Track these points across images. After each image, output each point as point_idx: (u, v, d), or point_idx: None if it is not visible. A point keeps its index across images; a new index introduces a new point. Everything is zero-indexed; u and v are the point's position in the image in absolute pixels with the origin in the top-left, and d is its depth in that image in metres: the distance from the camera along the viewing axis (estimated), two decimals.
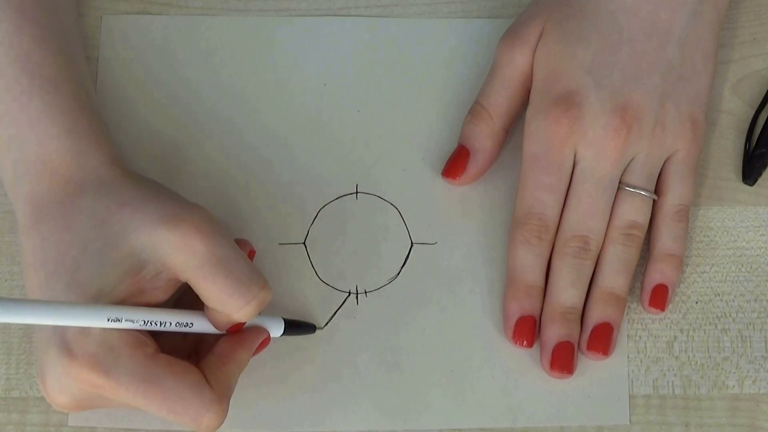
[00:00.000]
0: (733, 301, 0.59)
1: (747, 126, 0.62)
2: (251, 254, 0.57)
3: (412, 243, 0.60)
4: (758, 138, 0.61)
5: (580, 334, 0.57)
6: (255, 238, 0.58)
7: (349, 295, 0.59)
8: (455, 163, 0.59)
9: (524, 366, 0.57)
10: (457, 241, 0.59)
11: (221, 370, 0.51)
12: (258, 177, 0.60)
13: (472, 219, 0.60)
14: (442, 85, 0.62)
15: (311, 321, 0.58)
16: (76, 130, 0.54)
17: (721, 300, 0.59)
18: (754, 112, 0.62)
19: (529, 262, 0.57)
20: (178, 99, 0.61)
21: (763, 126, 0.61)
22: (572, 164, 0.57)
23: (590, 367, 0.57)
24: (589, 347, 0.56)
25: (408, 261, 0.59)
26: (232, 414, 0.56)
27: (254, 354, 0.54)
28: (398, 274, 0.59)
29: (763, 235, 0.60)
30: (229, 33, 0.62)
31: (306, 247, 0.59)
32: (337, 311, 0.58)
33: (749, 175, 0.60)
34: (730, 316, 0.59)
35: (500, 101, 0.59)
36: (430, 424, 0.57)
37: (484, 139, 0.59)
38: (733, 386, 0.57)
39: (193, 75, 0.62)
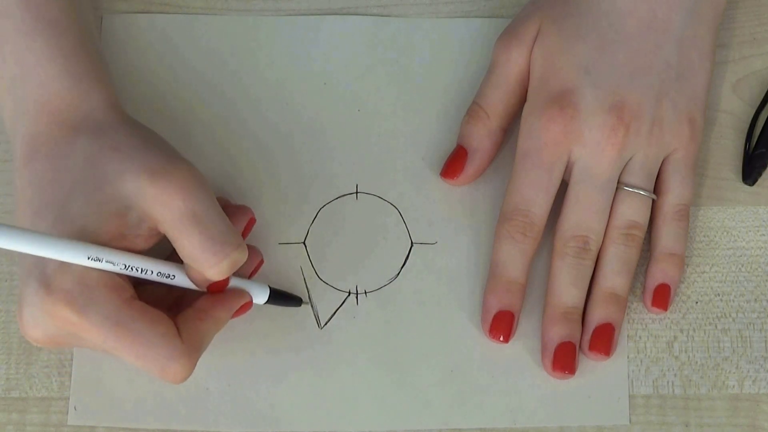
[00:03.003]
0: (733, 301, 0.59)
1: (747, 126, 0.62)
2: (251, 222, 0.57)
3: (412, 243, 0.60)
4: (758, 138, 0.61)
5: (582, 334, 0.57)
6: (255, 237, 0.58)
7: (349, 295, 0.59)
8: (453, 164, 0.59)
9: (524, 366, 0.57)
10: (457, 241, 0.59)
11: (196, 325, 0.52)
12: (258, 176, 0.60)
13: (472, 219, 0.60)
14: (441, 85, 0.62)
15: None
16: (77, 72, 0.54)
17: (721, 300, 0.59)
18: (754, 112, 0.62)
19: (511, 258, 0.57)
20: (178, 98, 0.61)
21: (763, 126, 0.61)
22: (565, 164, 0.57)
23: (590, 367, 0.57)
24: (591, 348, 0.56)
25: (408, 261, 0.59)
26: (231, 413, 0.56)
27: (234, 316, 0.54)
28: (398, 274, 0.59)
29: (763, 235, 0.60)
30: (229, 32, 0.62)
31: (306, 246, 0.59)
32: (336, 311, 0.58)
33: (749, 175, 0.60)
34: (730, 316, 0.59)
35: (497, 101, 0.59)
36: (430, 424, 0.57)
37: (481, 138, 0.59)
38: (733, 386, 0.57)
39: (193, 74, 0.62)
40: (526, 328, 0.58)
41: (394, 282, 0.59)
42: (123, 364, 0.57)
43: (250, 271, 0.56)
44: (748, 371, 0.58)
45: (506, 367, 0.57)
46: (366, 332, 0.58)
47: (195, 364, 0.51)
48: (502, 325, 0.57)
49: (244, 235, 0.57)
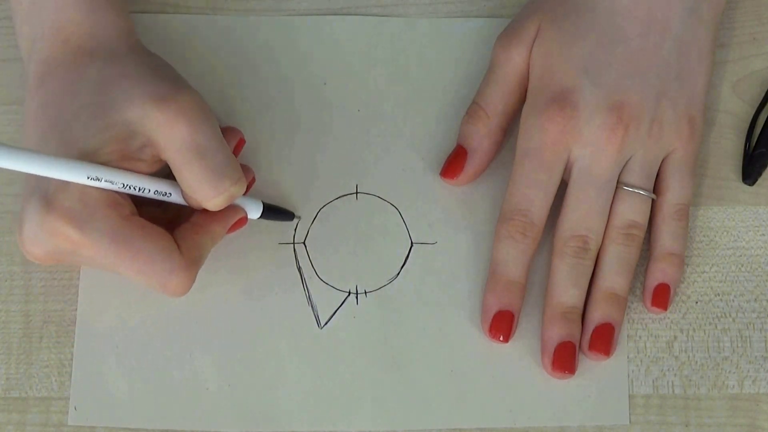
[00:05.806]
0: (733, 301, 0.59)
1: (747, 126, 0.62)
2: (240, 143, 0.58)
3: (412, 243, 0.60)
4: (758, 138, 0.61)
5: (582, 334, 0.57)
6: (255, 238, 0.58)
7: (349, 295, 0.59)
8: (453, 163, 0.59)
9: (524, 366, 0.57)
10: (457, 241, 0.59)
11: (194, 239, 0.53)
12: (258, 176, 0.60)
13: (472, 219, 0.60)
14: (441, 85, 0.62)
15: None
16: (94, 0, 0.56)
17: (721, 300, 0.59)
18: (754, 112, 0.62)
19: (511, 258, 0.57)
20: None
21: (763, 126, 0.61)
22: (564, 164, 0.57)
23: (590, 367, 0.57)
24: (591, 347, 0.56)
25: (408, 261, 0.59)
26: (232, 413, 0.56)
27: (229, 231, 0.55)
28: (398, 274, 0.59)
29: (763, 235, 0.60)
30: (230, 32, 0.62)
31: (306, 246, 0.59)
32: (336, 311, 0.58)
33: (749, 175, 0.60)
34: (730, 316, 0.59)
35: (497, 100, 0.59)
36: (430, 424, 0.57)
37: (481, 138, 0.59)
38: (733, 386, 0.57)
39: (192, 74, 0.61)
40: (526, 328, 0.58)
41: (394, 282, 0.59)
42: (123, 364, 0.57)
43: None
44: (748, 371, 0.58)
45: (506, 367, 0.57)
46: (366, 332, 0.58)
47: (194, 278, 0.53)
48: (502, 325, 0.57)
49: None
